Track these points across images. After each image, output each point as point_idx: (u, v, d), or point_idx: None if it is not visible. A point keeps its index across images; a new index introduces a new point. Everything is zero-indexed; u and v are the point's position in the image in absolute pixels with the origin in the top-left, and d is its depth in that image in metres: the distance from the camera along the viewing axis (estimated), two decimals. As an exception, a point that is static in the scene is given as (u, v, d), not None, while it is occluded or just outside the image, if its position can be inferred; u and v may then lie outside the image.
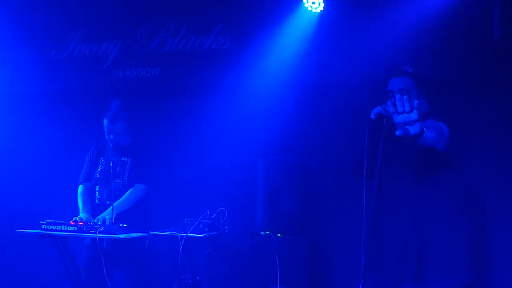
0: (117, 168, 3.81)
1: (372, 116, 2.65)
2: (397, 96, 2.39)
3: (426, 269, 2.64)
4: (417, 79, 2.82)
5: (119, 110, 3.81)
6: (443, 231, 2.66)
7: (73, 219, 3.53)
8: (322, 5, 4.25)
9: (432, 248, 2.64)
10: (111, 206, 3.54)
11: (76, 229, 3.44)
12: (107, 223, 3.48)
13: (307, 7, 4.27)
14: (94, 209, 3.80)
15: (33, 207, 4.55)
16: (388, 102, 2.46)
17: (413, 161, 2.72)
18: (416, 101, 2.33)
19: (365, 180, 2.45)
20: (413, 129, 2.35)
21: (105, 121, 3.83)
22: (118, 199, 3.68)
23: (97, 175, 3.89)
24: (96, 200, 3.86)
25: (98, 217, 3.60)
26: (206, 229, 3.57)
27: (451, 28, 3.93)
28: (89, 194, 3.88)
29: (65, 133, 4.77)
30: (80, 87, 4.83)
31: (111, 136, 3.84)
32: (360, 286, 2.37)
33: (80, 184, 3.93)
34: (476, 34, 3.92)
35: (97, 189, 3.87)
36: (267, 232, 3.93)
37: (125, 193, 3.76)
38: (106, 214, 3.59)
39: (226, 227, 3.75)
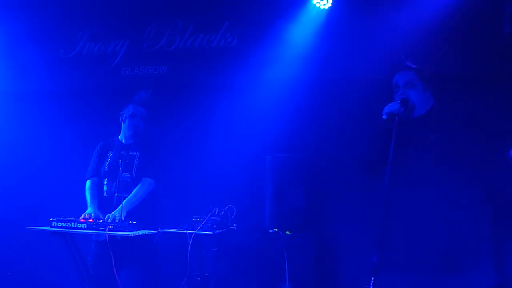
0: (126, 161, 3.84)
1: (384, 116, 2.65)
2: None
3: (442, 264, 2.61)
4: (421, 74, 2.82)
5: (146, 96, 3.96)
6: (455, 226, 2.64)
7: (82, 215, 3.56)
8: (330, 1, 4.24)
9: (447, 243, 2.62)
10: (121, 205, 3.56)
11: (86, 226, 3.47)
12: (117, 221, 3.50)
13: (315, 4, 4.27)
14: (102, 202, 3.83)
15: (44, 204, 4.58)
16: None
17: (424, 157, 2.70)
18: None
19: (379, 177, 2.45)
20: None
21: (130, 106, 3.93)
22: (126, 191, 3.71)
23: (106, 168, 3.91)
24: (104, 193, 3.88)
25: (108, 215, 3.62)
26: (214, 226, 3.58)
27: (460, 23, 3.91)
28: (97, 188, 3.90)
29: (75, 131, 4.79)
30: (89, 85, 4.85)
31: (136, 120, 3.89)
32: (371, 283, 2.37)
33: (87, 179, 3.95)
34: (486, 30, 3.89)
35: (105, 182, 3.89)
36: (276, 230, 3.93)
37: (133, 186, 3.78)
38: (116, 212, 3.60)
39: (234, 225, 3.75)
